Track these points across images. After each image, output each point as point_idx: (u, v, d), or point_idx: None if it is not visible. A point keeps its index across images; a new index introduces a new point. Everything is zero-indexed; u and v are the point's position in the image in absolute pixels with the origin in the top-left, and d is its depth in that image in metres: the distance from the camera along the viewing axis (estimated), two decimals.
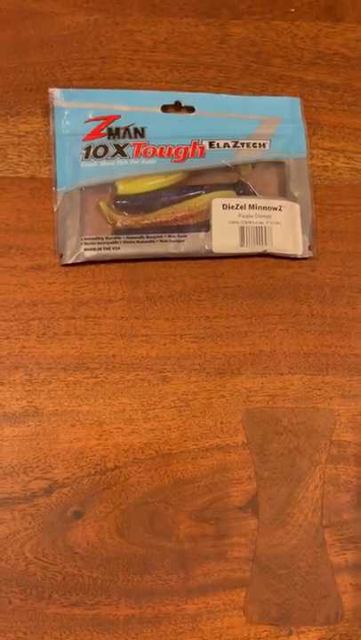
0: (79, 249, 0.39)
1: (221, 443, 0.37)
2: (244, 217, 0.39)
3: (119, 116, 0.40)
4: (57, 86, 0.42)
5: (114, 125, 0.40)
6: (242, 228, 0.39)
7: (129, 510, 0.36)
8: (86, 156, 0.39)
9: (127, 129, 0.40)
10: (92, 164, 0.39)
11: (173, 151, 0.40)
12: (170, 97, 0.41)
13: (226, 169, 0.40)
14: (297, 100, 0.42)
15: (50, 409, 0.37)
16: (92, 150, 0.40)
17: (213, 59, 0.43)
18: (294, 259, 0.40)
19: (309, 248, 0.39)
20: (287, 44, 0.44)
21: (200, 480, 0.37)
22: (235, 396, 0.38)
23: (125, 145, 0.40)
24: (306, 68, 0.43)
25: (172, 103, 0.41)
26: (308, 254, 0.39)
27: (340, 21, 0.44)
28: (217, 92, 0.42)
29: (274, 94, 0.42)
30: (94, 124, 0.40)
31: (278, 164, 0.41)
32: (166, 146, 0.40)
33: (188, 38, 0.44)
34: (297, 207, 0.40)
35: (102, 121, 0.40)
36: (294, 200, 0.40)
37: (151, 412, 0.37)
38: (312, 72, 0.43)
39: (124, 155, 0.40)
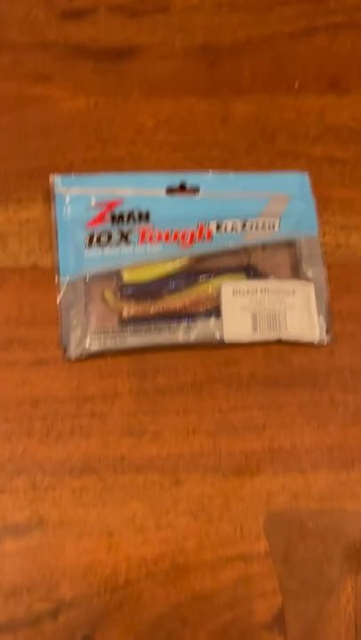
0: (84, 342, 0.37)
1: (242, 552, 0.34)
2: (255, 302, 0.37)
3: (122, 201, 0.39)
4: (58, 171, 0.41)
5: (117, 210, 0.39)
6: (254, 315, 0.37)
7: (143, 633, 0.32)
8: (90, 244, 0.38)
9: (131, 213, 0.39)
10: (96, 252, 0.38)
11: (180, 236, 0.38)
12: (174, 178, 0.40)
13: (234, 251, 0.39)
14: (305, 176, 0.40)
15: (55, 519, 0.34)
16: (95, 237, 0.38)
17: (217, 137, 0.42)
18: (311, 344, 0.38)
19: (327, 332, 0.37)
20: (292, 119, 0.43)
21: (220, 595, 0.33)
22: (254, 497, 0.35)
23: (130, 231, 0.38)
24: (313, 142, 0.42)
25: (177, 185, 0.40)
26: (326, 339, 0.37)
27: (346, 94, 0.44)
28: (222, 170, 0.41)
29: (282, 171, 0.41)
30: (97, 210, 0.39)
31: (289, 243, 0.39)
32: (172, 230, 0.38)
33: (190, 117, 0.43)
34: (311, 288, 0.38)
35: (105, 206, 0.39)
36: (308, 281, 0.38)
37: (164, 518, 0.34)
38: (319, 147, 0.42)
39: (128, 242, 0.38)
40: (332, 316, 0.38)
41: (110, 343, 0.37)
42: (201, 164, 0.42)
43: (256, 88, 0.43)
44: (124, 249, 0.38)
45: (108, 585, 0.33)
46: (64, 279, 0.38)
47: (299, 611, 0.33)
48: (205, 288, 0.38)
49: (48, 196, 0.40)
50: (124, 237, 0.38)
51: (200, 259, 0.39)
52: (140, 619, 0.33)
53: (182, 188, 0.40)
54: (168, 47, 0.44)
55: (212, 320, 0.37)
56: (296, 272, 0.38)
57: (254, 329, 0.37)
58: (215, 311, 0.37)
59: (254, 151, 0.42)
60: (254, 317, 0.37)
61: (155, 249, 0.38)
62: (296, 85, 0.43)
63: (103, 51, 0.44)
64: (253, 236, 0.39)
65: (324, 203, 0.41)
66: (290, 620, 0.33)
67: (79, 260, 0.38)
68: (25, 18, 0.45)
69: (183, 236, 0.38)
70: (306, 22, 0.45)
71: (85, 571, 0.34)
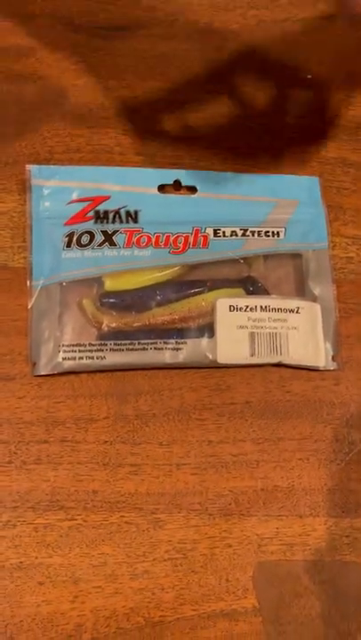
0: (56, 357, 0.32)
1: (227, 607, 0.30)
2: (254, 321, 0.33)
3: (108, 197, 0.34)
4: (37, 159, 0.36)
5: (102, 208, 0.34)
6: (252, 335, 0.33)
7: None
8: (68, 245, 0.33)
9: (118, 212, 0.34)
10: (75, 254, 0.33)
11: (172, 240, 0.34)
12: (168, 175, 0.35)
13: (233, 261, 0.34)
14: (316, 180, 0.36)
15: (13, 561, 0.30)
16: (75, 237, 0.33)
17: (220, 131, 0.38)
18: (315, 370, 0.34)
19: (333, 359, 0.33)
20: (304, 114, 0.38)
21: None
22: (244, 545, 0.31)
23: (115, 232, 0.34)
24: (326, 143, 0.38)
25: (171, 182, 0.36)
26: (332, 366, 0.33)
27: None
28: (223, 169, 0.37)
29: (290, 172, 0.37)
30: (79, 206, 0.34)
31: (295, 255, 0.35)
32: (163, 234, 0.34)
33: (190, 107, 0.38)
34: (318, 308, 0.33)
35: (88, 202, 0.34)
36: (314, 299, 0.34)
37: (140, 565, 0.30)
38: (333, 148, 0.38)
39: (113, 244, 0.33)
40: (339, 341, 0.34)
41: (86, 360, 0.32)
42: (199, 160, 0.37)
43: (265, 77, 0.39)
44: (108, 252, 0.33)
45: None
46: (37, 283, 0.33)
47: None
48: (198, 302, 0.33)
49: (24, 187, 0.35)
50: (109, 239, 0.34)
51: (193, 268, 0.34)
52: None
53: (177, 186, 0.36)
54: (169, 26, 0.39)
55: (205, 339, 0.33)
56: (301, 288, 0.34)
57: (252, 351, 0.33)
58: (208, 329, 0.33)
59: (260, 149, 0.38)
60: (252, 338, 0.33)
61: (142, 254, 0.34)
62: (310, 77, 0.39)
63: (95, 26, 0.39)
64: (255, 245, 0.34)
65: (335, 211, 0.36)
66: None
67: (56, 261, 0.33)
68: None
69: (175, 241, 0.34)
70: (324, 7, 0.41)
71: (45, 624, 0.29)
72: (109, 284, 0.33)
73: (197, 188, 0.35)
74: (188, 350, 0.32)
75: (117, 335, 0.32)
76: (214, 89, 0.38)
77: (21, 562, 0.30)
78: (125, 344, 0.32)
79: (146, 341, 0.32)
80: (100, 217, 0.34)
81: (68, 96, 0.38)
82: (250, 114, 0.38)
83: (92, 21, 0.40)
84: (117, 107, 0.38)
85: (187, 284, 0.34)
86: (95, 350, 0.32)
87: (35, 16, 0.39)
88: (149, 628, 0.29)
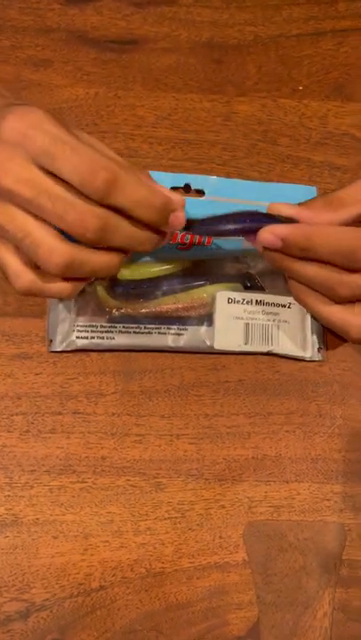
0: (71, 336, 0.36)
1: (220, 560, 0.33)
2: (249, 313, 0.36)
3: None
4: None
5: None
6: (247, 325, 0.36)
7: (114, 639, 0.32)
8: None
9: None
10: None
11: (179, 237, 0.37)
12: (179, 179, 0.39)
13: (233, 259, 0.38)
14: (313, 189, 0.39)
15: (30, 517, 0.33)
16: None
17: (218, 136, 0.42)
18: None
19: (319, 350, 0.36)
20: (295, 122, 0.42)
21: (195, 604, 0.33)
22: (236, 506, 0.34)
23: None
24: (314, 148, 0.42)
25: (182, 185, 0.39)
26: (318, 357, 0.36)
27: (350, 101, 0.43)
28: (222, 171, 0.40)
29: (281, 175, 0.40)
30: None
31: None
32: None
33: (192, 114, 0.42)
34: None
35: None
36: None
37: (143, 523, 0.34)
38: (320, 153, 0.42)
39: None
40: (325, 330, 0.37)
41: (97, 340, 0.36)
42: (200, 163, 0.41)
43: (261, 88, 0.42)
44: None
45: (81, 588, 0.33)
46: None
47: (274, 624, 0.33)
48: (200, 293, 0.37)
49: None
50: None
51: (197, 263, 0.38)
52: (111, 625, 0.32)
53: (187, 189, 0.39)
54: (173, 41, 0.43)
55: (204, 327, 0.36)
56: None
57: (245, 340, 0.36)
58: (208, 318, 0.36)
59: (255, 153, 0.41)
60: (247, 328, 0.36)
61: None
62: (301, 88, 0.43)
63: (106, 40, 0.43)
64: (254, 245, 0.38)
65: None
66: (265, 632, 0.32)
67: None
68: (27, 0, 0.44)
69: (183, 238, 0.37)
70: (314, 25, 0.44)
71: (58, 573, 0.33)
72: (122, 274, 0.37)
73: (205, 191, 0.39)
74: (189, 336, 0.36)
75: (126, 319, 0.36)
76: (214, 98, 0.42)
77: (38, 518, 0.33)
78: (133, 327, 0.36)
79: (151, 326, 0.36)
80: None
81: (82, 104, 0.41)
82: (247, 121, 0.42)
83: (104, 35, 0.43)
84: (126, 114, 0.41)
85: (191, 277, 0.37)
86: (105, 332, 0.36)
87: (51, 30, 0.43)
88: (151, 578, 0.33)
